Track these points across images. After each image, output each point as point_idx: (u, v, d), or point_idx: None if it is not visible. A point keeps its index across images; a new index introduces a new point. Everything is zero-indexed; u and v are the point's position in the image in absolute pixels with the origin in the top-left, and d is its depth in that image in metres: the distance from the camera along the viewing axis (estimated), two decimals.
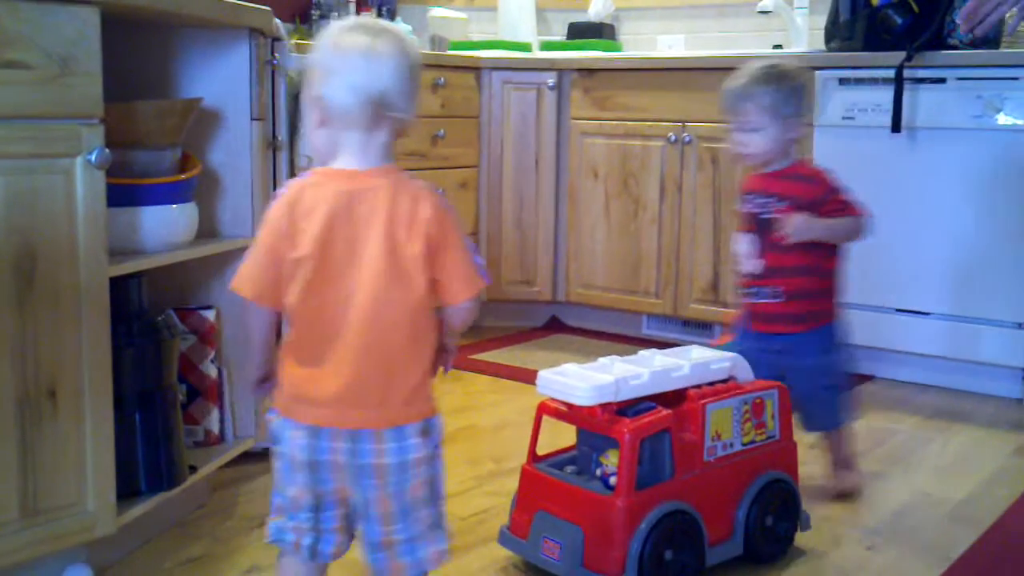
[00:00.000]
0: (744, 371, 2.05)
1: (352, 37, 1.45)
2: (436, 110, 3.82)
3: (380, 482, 1.46)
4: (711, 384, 1.98)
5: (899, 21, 3.26)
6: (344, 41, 1.45)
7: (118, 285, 1.88)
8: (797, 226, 2.20)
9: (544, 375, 1.91)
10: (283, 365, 1.50)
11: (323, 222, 1.42)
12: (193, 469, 2.12)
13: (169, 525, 2.13)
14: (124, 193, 1.96)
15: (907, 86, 3.18)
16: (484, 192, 4.07)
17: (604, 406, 1.85)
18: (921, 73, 3.18)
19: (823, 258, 2.28)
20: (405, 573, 1.51)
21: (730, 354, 2.05)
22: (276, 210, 1.47)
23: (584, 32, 4.42)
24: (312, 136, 1.50)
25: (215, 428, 2.32)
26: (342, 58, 1.44)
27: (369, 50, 1.43)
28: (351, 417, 1.44)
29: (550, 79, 3.95)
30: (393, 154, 1.48)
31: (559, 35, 4.60)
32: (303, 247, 1.43)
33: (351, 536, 1.55)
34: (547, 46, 4.46)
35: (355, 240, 1.42)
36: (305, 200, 1.44)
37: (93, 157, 1.74)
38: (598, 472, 1.89)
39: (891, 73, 3.19)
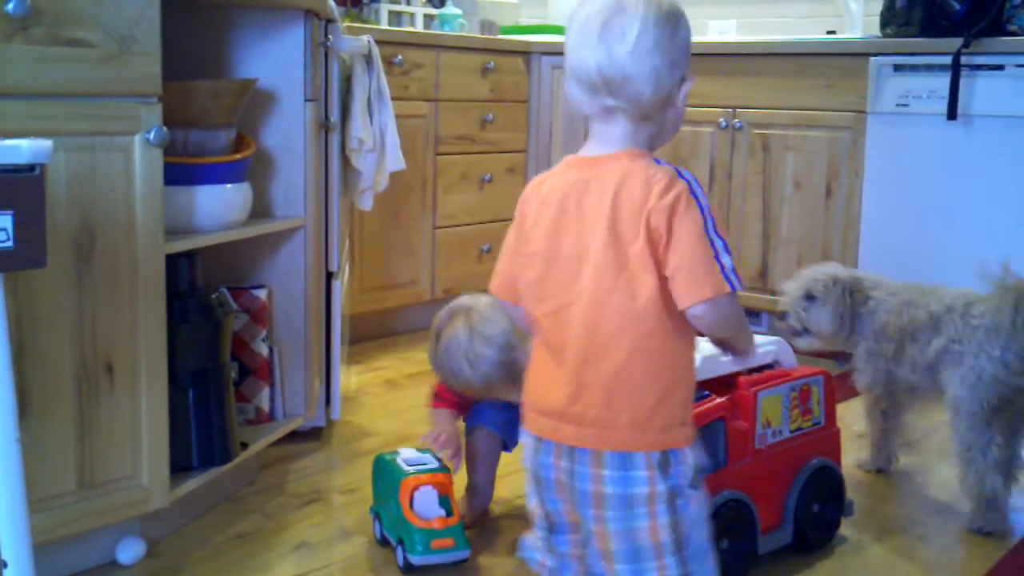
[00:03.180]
0: (787, 355, 2.04)
1: (581, 12, 1.27)
2: (485, 94, 3.82)
3: (599, 513, 1.27)
4: (758, 369, 1.98)
5: (957, 7, 3.20)
6: (573, 18, 1.28)
7: (172, 263, 1.90)
8: None
9: None
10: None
11: (553, 216, 1.29)
12: (244, 446, 2.15)
13: (220, 500, 2.16)
14: (180, 172, 1.98)
15: (964, 73, 3.13)
16: (532, 177, 4.06)
17: None
18: (979, 60, 3.12)
19: None
20: None
21: (774, 337, 2.05)
22: (519, 203, 1.35)
23: None
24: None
25: (265, 406, 2.35)
26: (569, 38, 1.28)
27: (590, 25, 1.25)
28: (568, 432, 1.27)
29: None
30: (642, 138, 1.29)
31: None
32: (533, 243, 1.30)
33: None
34: None
35: (583, 235, 1.26)
36: (543, 191, 1.32)
37: (151, 135, 1.76)
38: None
39: (948, 60, 3.14)
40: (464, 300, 1.98)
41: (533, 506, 1.37)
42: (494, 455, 2.11)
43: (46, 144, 1.29)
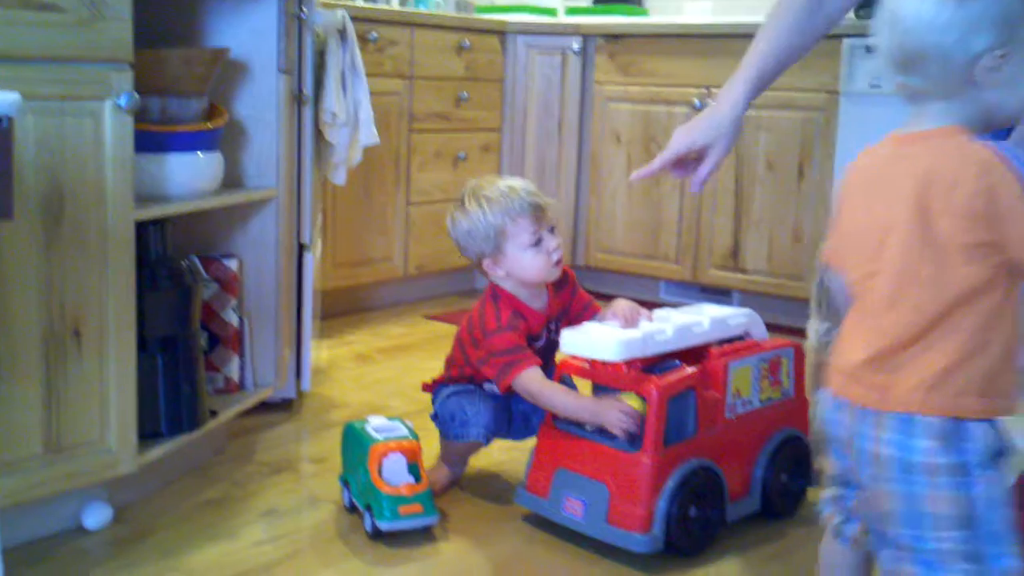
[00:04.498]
0: (758, 327, 2.06)
1: None
2: (460, 73, 3.82)
3: (878, 472, 1.27)
4: (729, 340, 2.00)
5: None
6: None
7: (142, 230, 1.90)
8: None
9: (568, 333, 1.92)
10: None
11: (865, 189, 1.31)
12: (213, 414, 2.15)
13: (188, 468, 2.16)
14: (151, 139, 1.98)
15: None
16: (506, 156, 4.07)
17: (630, 363, 1.86)
18: None
19: None
20: None
21: (745, 310, 2.07)
22: (843, 174, 1.38)
23: None
24: None
25: (235, 376, 2.35)
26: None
27: (886, 3, 1.26)
28: (856, 391, 1.29)
29: (575, 44, 3.93)
30: (956, 115, 1.25)
31: (585, 0, 4.58)
32: (848, 214, 1.34)
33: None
34: (572, 11, 4.44)
35: (889, 209, 1.25)
36: (860, 164, 1.35)
37: (122, 101, 1.76)
38: None
39: None
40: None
41: (827, 462, 1.40)
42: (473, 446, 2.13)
43: (14, 96, 1.29)
